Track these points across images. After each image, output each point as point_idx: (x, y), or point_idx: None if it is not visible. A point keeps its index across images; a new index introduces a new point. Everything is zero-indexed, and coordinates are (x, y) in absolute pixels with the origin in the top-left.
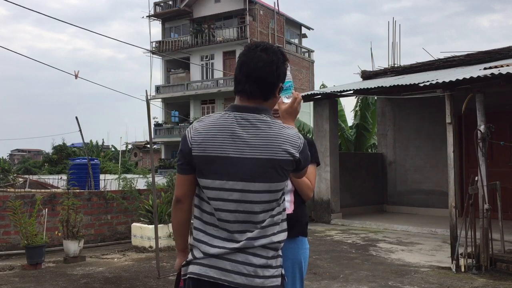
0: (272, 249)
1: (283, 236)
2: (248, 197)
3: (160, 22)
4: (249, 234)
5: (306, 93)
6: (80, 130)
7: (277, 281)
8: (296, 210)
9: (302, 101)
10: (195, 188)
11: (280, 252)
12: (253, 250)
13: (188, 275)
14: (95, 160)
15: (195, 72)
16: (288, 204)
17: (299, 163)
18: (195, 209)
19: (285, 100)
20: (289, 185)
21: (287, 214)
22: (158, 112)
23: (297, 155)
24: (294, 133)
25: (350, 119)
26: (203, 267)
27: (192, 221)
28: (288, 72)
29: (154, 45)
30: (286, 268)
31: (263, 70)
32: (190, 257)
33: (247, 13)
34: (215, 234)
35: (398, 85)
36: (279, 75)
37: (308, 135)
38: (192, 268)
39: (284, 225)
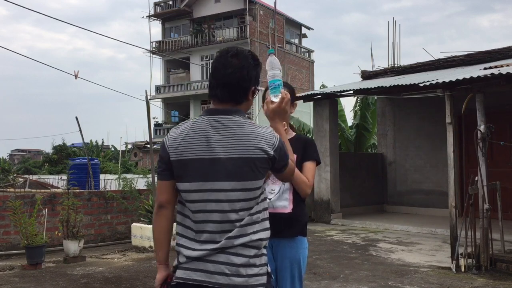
0: (254, 248)
1: (264, 234)
2: (225, 197)
3: (160, 22)
4: (229, 233)
5: (306, 93)
6: (80, 130)
7: (263, 279)
8: (295, 209)
9: (290, 100)
10: (176, 193)
11: (264, 251)
12: (234, 249)
13: (175, 280)
14: (95, 160)
15: (195, 72)
16: (287, 203)
17: (274, 161)
18: (177, 215)
19: (273, 99)
20: (287, 183)
21: (286, 213)
22: (158, 112)
23: (272, 152)
24: (269, 131)
25: (350, 119)
26: (187, 271)
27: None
28: (278, 71)
29: (154, 45)
30: (284, 267)
31: (233, 76)
32: (175, 262)
33: (247, 13)
34: (196, 238)
35: (398, 85)
36: (250, 80)
37: (308, 135)
38: (178, 273)
39: (266, 224)
